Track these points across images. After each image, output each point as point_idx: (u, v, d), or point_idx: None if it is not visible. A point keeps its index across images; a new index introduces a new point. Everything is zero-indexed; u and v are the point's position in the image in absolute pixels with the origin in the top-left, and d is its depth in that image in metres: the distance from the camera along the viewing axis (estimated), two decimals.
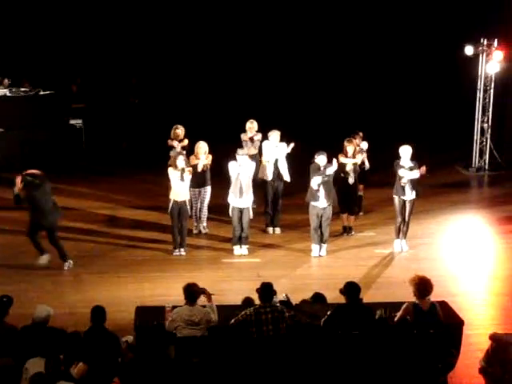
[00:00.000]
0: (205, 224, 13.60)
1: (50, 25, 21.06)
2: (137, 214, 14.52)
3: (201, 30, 21.91)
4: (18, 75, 19.52)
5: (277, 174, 13.55)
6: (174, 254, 12.56)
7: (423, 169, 12.57)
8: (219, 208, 13.66)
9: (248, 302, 9.09)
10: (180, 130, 13.98)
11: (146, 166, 17.51)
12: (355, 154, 13.42)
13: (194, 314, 8.35)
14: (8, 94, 18.01)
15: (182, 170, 12.34)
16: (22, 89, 18.54)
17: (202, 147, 13.15)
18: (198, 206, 13.40)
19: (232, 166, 12.65)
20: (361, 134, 14.26)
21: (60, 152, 17.98)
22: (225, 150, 13.98)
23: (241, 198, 12.52)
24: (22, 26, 20.84)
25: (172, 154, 13.63)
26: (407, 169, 12.51)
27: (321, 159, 12.39)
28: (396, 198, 12.72)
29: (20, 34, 20.88)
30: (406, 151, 12.61)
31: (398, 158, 12.63)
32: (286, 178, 13.58)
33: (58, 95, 18.84)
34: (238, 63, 22.09)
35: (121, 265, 12.14)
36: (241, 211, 12.57)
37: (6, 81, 18.70)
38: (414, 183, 12.58)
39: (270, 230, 13.74)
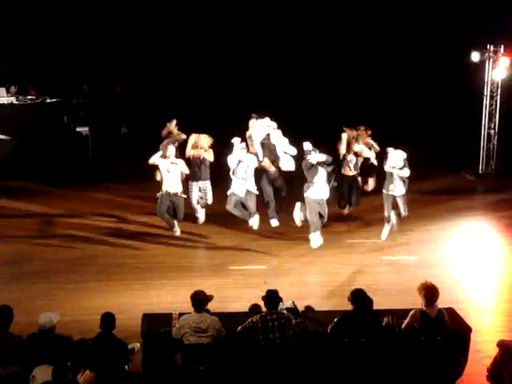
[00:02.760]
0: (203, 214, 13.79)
1: (56, 32, 21.02)
2: (143, 221, 14.50)
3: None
4: (25, 82, 19.54)
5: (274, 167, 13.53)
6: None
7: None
8: (222, 215, 13.69)
9: (255, 309, 9.08)
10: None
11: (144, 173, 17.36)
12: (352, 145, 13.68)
13: (202, 321, 8.33)
14: (15, 102, 18.01)
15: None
16: (29, 96, 18.54)
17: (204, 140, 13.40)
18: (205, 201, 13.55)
19: (232, 157, 12.85)
20: (369, 131, 14.58)
21: (66, 160, 17.97)
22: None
23: (238, 183, 12.63)
24: (28, 33, 20.85)
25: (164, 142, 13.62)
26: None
27: (306, 145, 12.55)
28: (384, 193, 13.11)
29: (27, 41, 20.90)
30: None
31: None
32: (292, 151, 13.46)
33: (64, 103, 18.85)
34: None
35: (127, 272, 12.14)
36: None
37: (12, 88, 18.70)
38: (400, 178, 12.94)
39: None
